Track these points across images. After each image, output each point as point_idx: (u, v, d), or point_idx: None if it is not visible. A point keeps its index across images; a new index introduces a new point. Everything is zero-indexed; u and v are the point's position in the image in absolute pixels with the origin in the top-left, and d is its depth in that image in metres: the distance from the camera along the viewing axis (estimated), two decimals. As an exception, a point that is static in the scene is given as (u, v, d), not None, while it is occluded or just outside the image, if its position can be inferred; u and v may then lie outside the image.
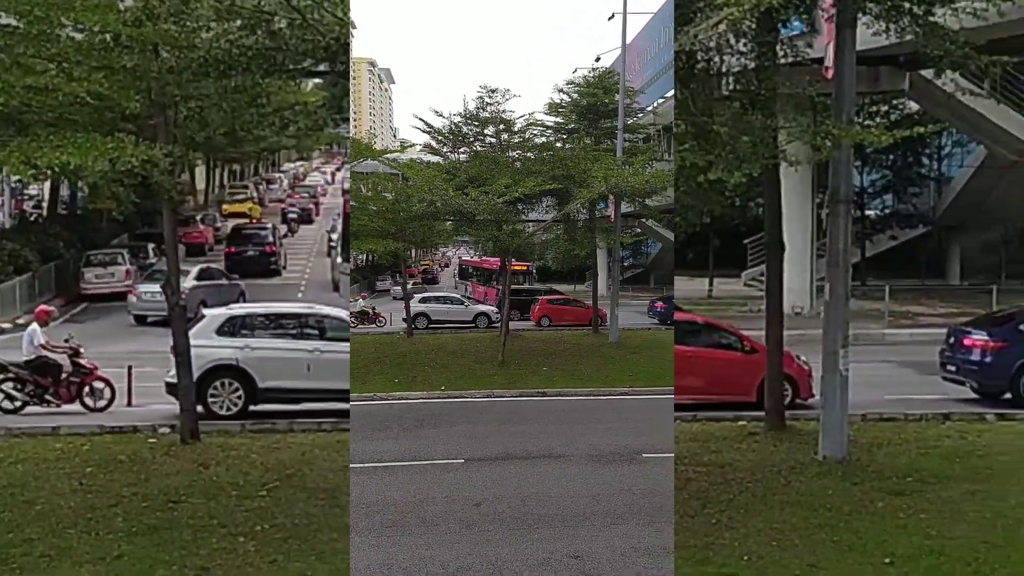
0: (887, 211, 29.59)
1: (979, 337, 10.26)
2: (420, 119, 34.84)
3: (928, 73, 16.15)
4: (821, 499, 6.50)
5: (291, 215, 32.73)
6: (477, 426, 10.81)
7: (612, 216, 18.96)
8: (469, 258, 39.92)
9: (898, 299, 20.50)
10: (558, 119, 22.09)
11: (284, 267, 23.52)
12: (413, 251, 31.27)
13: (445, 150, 19.62)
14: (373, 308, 24.85)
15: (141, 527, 5.89)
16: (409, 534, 6.41)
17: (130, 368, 10.50)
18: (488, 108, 18.59)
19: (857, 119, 7.91)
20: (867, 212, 28.81)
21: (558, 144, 20.60)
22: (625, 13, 19.51)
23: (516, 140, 19.29)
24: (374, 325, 23.32)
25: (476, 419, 11.32)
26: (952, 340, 10.77)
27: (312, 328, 9.79)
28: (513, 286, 27.98)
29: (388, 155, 19.53)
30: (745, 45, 6.98)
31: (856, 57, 7.46)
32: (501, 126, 18.88)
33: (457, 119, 19.11)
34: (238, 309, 10.28)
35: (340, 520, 6.22)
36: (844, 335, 7.63)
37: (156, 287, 14.72)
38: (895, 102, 24.10)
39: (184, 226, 23.56)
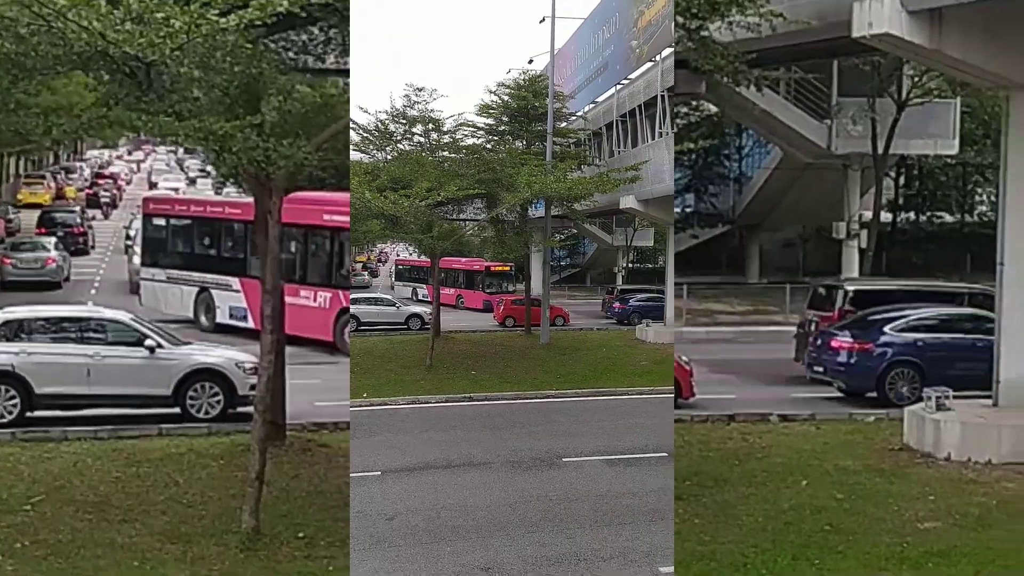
0: (688, 210, 30.07)
1: (845, 340, 10.55)
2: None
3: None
4: None
5: (104, 199, 34.27)
6: (398, 435, 10.54)
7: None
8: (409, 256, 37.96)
9: (698, 297, 21.06)
10: (489, 121, 22.01)
11: (93, 247, 25.69)
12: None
13: (372, 148, 19.14)
14: None
15: None
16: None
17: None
18: (416, 107, 18.28)
19: None
20: None
21: (488, 146, 20.50)
22: (554, 17, 19.64)
23: (446, 140, 19.03)
24: None
25: (398, 427, 11.05)
26: (819, 342, 11.04)
27: (93, 332, 9.57)
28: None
29: None
30: None
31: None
32: (430, 125, 18.58)
33: (384, 117, 18.69)
34: (15, 312, 9.83)
35: (106, 535, 5.94)
36: None
37: None
38: (694, 104, 24.75)
39: None
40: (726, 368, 13.16)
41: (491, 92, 21.74)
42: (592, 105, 24.23)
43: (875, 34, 8.52)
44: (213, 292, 15.77)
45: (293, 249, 14.72)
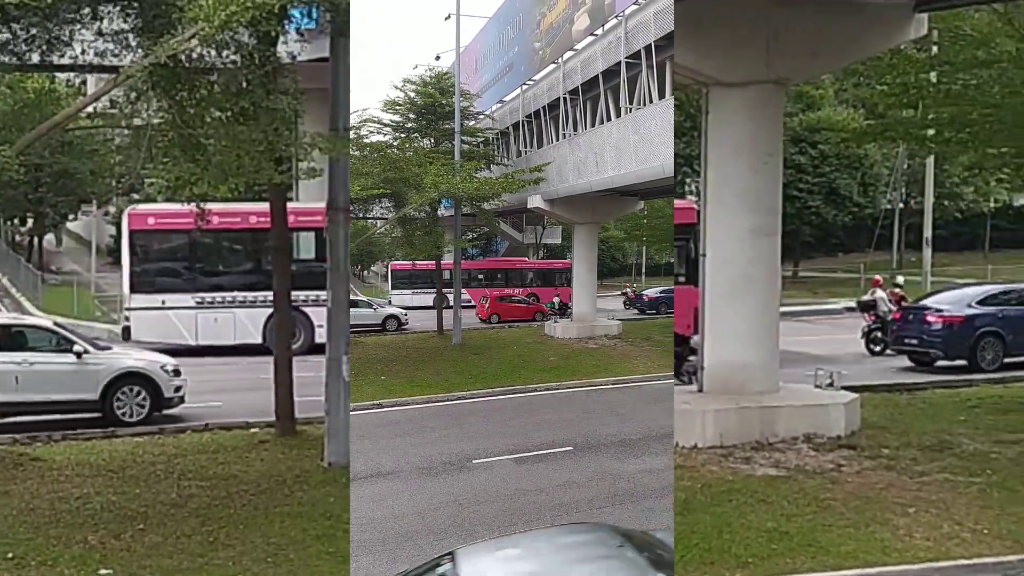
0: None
1: (942, 313, 11.76)
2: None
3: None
4: (323, 508, 6.44)
5: None
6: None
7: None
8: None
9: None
10: (395, 117, 21.63)
11: None
12: None
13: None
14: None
15: None
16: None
17: None
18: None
19: None
20: None
21: (394, 144, 20.16)
22: (459, 15, 19.61)
23: (349, 136, 18.49)
24: None
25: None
26: (911, 316, 12.20)
27: (20, 339, 9.42)
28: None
29: None
30: (235, 53, 6.72)
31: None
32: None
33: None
34: None
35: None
36: (346, 341, 7.80)
37: None
38: None
39: None
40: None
41: (397, 88, 21.41)
42: (499, 104, 24.41)
43: None
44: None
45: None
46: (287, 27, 7.11)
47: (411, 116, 21.39)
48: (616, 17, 15.62)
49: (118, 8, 6.66)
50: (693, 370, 8.98)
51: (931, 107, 10.10)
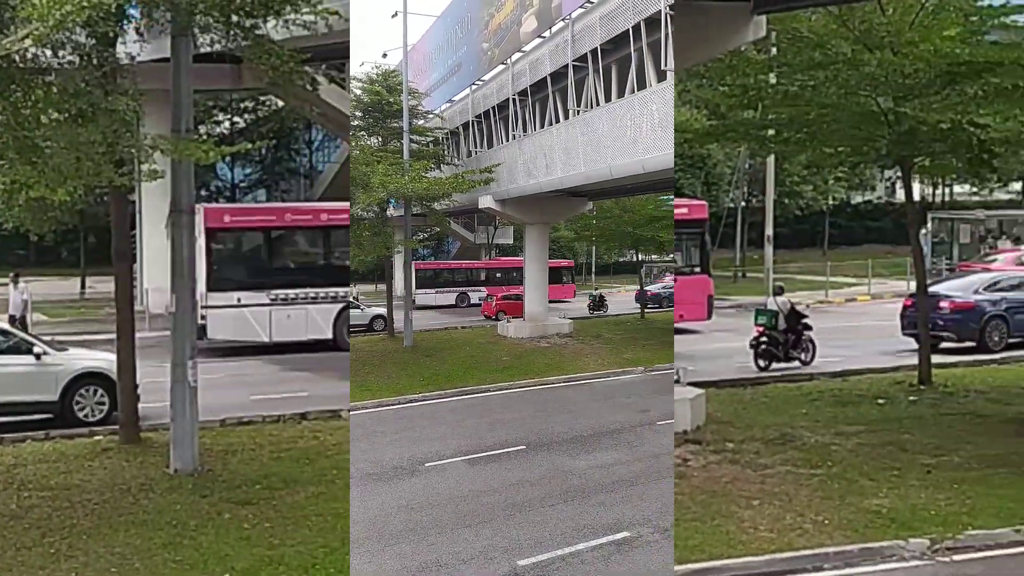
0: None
1: (954, 300, 12.60)
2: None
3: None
4: (168, 516, 6.42)
5: None
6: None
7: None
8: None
9: None
10: (342, 116, 21.21)
11: None
12: None
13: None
14: None
15: None
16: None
17: None
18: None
19: (225, 115, 8.55)
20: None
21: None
22: (406, 13, 19.41)
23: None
24: None
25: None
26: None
27: None
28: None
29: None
30: (73, 54, 6.65)
31: (212, 56, 7.64)
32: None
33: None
34: None
35: None
36: (192, 346, 7.75)
37: None
38: (262, 98, 25.00)
39: None
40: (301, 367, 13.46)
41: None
42: (448, 104, 24.30)
43: None
44: None
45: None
46: (125, 27, 7.05)
47: (358, 114, 21.03)
48: (563, 20, 15.80)
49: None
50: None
51: (770, 108, 10.34)
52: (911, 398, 9.68)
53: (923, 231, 22.04)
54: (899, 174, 10.36)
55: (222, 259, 15.16)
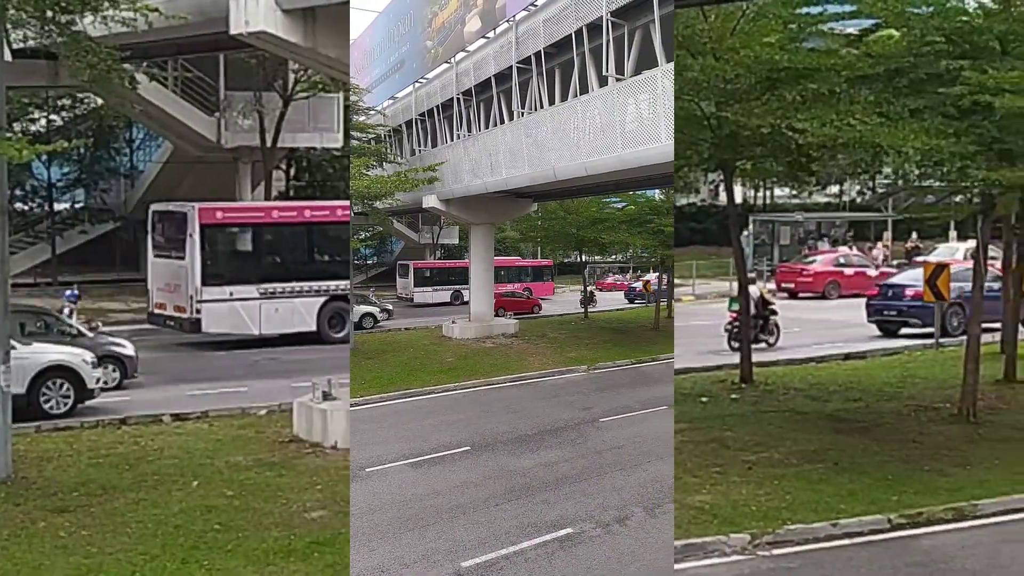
0: (78, 205, 29.13)
1: (918, 288, 12.80)
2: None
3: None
4: None
5: None
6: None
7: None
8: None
9: (92, 295, 20.42)
10: (281, 112, 20.56)
11: None
12: None
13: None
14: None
15: None
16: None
17: None
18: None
19: (42, 113, 8.40)
20: (57, 207, 28.00)
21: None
22: (348, 6, 18.95)
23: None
24: None
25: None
26: (891, 292, 14.09)
27: None
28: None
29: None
30: None
31: (31, 52, 7.29)
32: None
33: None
34: None
35: None
36: (6, 350, 7.43)
37: None
38: (80, 96, 24.14)
39: None
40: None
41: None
42: (391, 101, 23.96)
43: (252, 32, 8.69)
44: None
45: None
46: None
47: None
48: (507, 22, 15.86)
49: None
50: None
51: None
52: (733, 396, 9.62)
53: (745, 233, 22.55)
54: (722, 177, 10.61)
55: (215, 255, 15.59)
